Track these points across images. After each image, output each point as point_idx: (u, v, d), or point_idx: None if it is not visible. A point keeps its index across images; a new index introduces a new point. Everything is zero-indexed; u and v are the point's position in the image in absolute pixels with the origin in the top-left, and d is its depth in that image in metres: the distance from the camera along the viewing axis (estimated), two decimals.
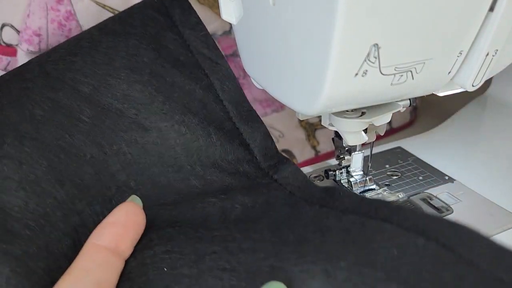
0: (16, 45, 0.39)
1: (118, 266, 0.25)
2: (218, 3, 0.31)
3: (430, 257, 0.22)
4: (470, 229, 0.23)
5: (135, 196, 0.28)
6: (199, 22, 0.34)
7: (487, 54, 0.27)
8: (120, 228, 0.25)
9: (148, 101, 0.32)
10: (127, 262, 0.25)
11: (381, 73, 0.25)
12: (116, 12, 0.42)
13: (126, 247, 0.25)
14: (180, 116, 0.32)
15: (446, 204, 0.37)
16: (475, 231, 0.22)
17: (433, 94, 0.31)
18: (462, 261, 0.22)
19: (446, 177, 0.42)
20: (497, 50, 0.27)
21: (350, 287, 0.22)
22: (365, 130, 0.32)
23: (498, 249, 0.22)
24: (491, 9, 0.25)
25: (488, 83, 0.53)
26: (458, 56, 0.27)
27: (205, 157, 0.32)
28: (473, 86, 0.28)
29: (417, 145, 0.49)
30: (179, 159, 0.32)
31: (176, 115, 0.32)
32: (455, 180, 0.42)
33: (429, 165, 0.44)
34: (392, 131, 0.60)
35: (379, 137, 0.35)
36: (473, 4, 0.24)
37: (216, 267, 0.24)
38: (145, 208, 0.27)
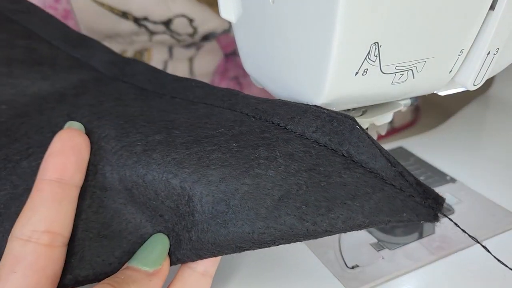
0: None
1: (70, 195, 0.24)
2: (217, 2, 0.31)
3: (258, 131, 0.25)
4: (300, 106, 0.26)
5: (72, 121, 0.27)
6: None
7: (488, 53, 0.26)
8: (58, 157, 0.24)
9: None
10: None
11: (382, 72, 0.24)
12: (115, 11, 0.42)
13: (72, 173, 0.24)
14: (6, 68, 0.32)
15: (448, 204, 0.37)
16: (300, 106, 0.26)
17: (434, 93, 0.31)
18: (286, 131, 0.25)
19: (448, 177, 0.42)
20: (498, 48, 0.27)
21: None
22: (366, 130, 0.32)
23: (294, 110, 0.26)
24: (492, 7, 0.25)
25: (489, 82, 0.53)
26: (459, 55, 0.27)
27: (47, 95, 0.32)
28: (474, 85, 0.28)
29: (419, 145, 0.49)
30: (22, 109, 0.31)
31: (1, 69, 0.32)
32: (456, 180, 0.42)
33: (430, 165, 0.44)
34: (393, 130, 0.60)
35: (380, 137, 0.35)
36: (474, 3, 0.24)
37: None
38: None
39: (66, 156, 0.25)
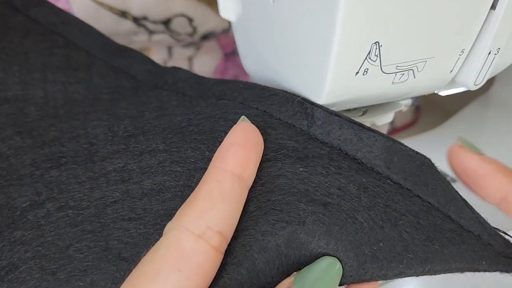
0: None
1: (244, 196, 0.21)
2: (216, 1, 0.31)
3: (327, 157, 0.24)
4: (369, 136, 0.24)
5: (245, 117, 0.24)
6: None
7: (489, 53, 0.26)
8: (243, 151, 0.21)
9: (2, 76, 0.31)
10: None
11: (382, 71, 0.24)
12: (114, 10, 0.42)
13: (251, 173, 0.21)
14: (41, 73, 0.31)
15: None
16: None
17: (435, 93, 0.30)
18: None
19: (448, 178, 0.42)
20: (499, 48, 0.26)
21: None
22: None
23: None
24: (493, 7, 0.25)
25: (490, 82, 0.53)
26: (460, 55, 0.26)
27: (80, 98, 0.31)
28: (475, 85, 0.28)
29: (419, 145, 0.48)
30: (50, 111, 0.30)
31: (35, 75, 0.31)
32: (457, 180, 0.41)
33: None
34: (394, 130, 0.60)
35: None
36: (475, 2, 0.24)
37: (121, 218, 0.23)
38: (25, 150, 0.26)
39: (249, 151, 0.22)
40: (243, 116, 0.24)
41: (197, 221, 0.19)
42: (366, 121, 0.30)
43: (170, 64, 0.51)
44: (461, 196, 0.23)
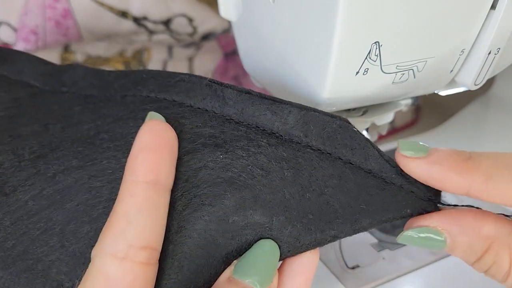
0: (13, 43, 0.38)
1: (165, 201, 0.20)
2: (217, 1, 0.31)
3: (245, 137, 0.23)
4: (284, 107, 0.23)
5: (153, 112, 0.22)
6: None
7: (489, 53, 0.26)
8: (152, 154, 0.20)
9: None
10: None
11: (383, 71, 0.24)
12: (114, 10, 0.42)
13: (167, 174, 0.20)
14: None
15: (448, 205, 0.37)
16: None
17: (435, 93, 0.30)
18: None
19: None
20: (499, 48, 0.26)
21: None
22: (367, 130, 0.32)
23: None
24: (493, 7, 0.25)
25: (490, 82, 0.53)
26: (460, 55, 0.26)
27: None
28: (475, 85, 0.28)
29: None
30: None
31: None
32: None
33: None
34: (394, 130, 0.60)
35: (381, 137, 0.35)
36: (475, 2, 0.24)
37: (52, 249, 0.22)
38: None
39: (160, 153, 0.20)
40: (149, 113, 0.22)
41: (118, 243, 0.19)
42: (366, 121, 0.30)
43: (171, 64, 0.51)
44: (379, 152, 0.23)
